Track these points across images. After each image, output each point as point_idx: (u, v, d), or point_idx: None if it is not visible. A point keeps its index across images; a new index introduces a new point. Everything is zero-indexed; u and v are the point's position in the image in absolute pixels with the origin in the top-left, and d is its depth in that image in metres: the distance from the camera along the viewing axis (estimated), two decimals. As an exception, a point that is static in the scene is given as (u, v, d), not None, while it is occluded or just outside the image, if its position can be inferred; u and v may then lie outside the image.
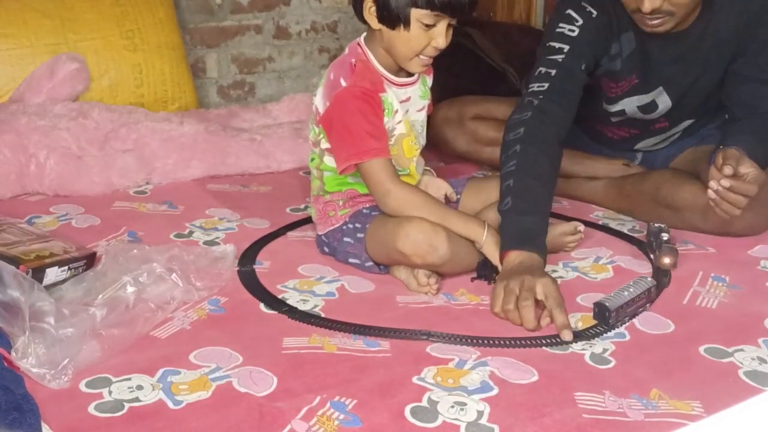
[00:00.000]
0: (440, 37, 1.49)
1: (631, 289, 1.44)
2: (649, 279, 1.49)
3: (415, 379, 1.21)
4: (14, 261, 1.34)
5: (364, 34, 1.59)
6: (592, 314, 1.42)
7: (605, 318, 1.39)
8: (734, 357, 1.30)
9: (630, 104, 1.87)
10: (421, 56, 1.52)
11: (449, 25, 1.50)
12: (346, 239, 1.60)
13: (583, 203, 2.02)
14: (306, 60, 2.99)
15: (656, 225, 1.68)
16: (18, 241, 1.48)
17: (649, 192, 1.87)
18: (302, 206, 1.94)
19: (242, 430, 1.09)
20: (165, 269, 1.42)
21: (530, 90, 1.74)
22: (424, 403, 1.16)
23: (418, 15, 1.47)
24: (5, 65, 2.29)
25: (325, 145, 1.59)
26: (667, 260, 1.55)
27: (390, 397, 1.17)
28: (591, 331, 1.37)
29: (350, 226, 1.60)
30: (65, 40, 2.35)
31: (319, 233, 1.67)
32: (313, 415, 1.12)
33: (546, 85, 1.72)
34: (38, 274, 1.36)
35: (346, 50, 1.60)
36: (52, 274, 1.40)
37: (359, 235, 1.58)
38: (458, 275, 1.57)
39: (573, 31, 1.75)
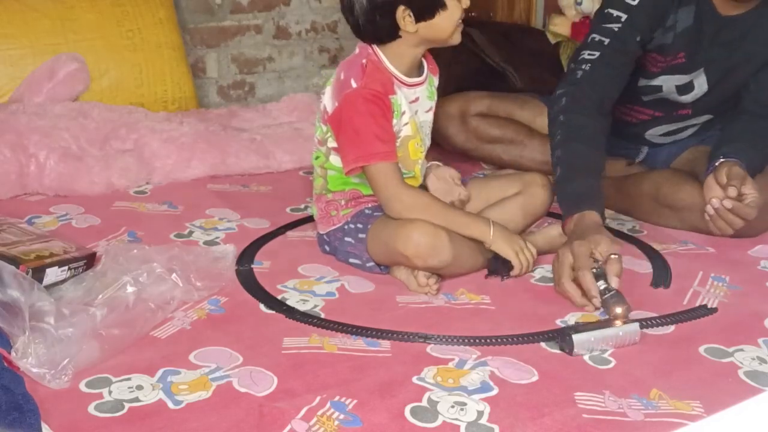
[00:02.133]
0: (463, 0, 1.53)
1: (616, 333, 1.32)
2: (637, 329, 1.34)
3: (415, 379, 1.21)
4: (14, 261, 1.33)
5: None
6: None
7: (568, 343, 1.30)
8: (734, 357, 1.30)
9: (669, 82, 1.83)
10: (459, 24, 1.55)
11: None
12: (347, 239, 1.60)
13: (583, 203, 2.02)
14: (306, 60, 2.99)
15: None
16: (18, 241, 1.48)
17: (649, 192, 1.87)
18: (302, 206, 1.94)
19: (242, 430, 1.09)
20: (165, 269, 1.42)
21: (580, 57, 1.74)
22: (424, 403, 1.16)
23: None
24: (5, 65, 2.30)
25: (331, 144, 1.59)
26: (619, 310, 1.38)
27: (390, 397, 1.17)
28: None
29: (352, 226, 1.60)
30: (65, 40, 2.35)
31: (321, 232, 1.67)
32: (313, 415, 1.12)
33: (596, 53, 1.71)
34: (38, 274, 1.36)
35: (357, 50, 1.59)
36: (52, 274, 1.40)
37: (361, 235, 1.58)
38: (460, 276, 1.57)
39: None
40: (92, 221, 1.83)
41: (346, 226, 1.61)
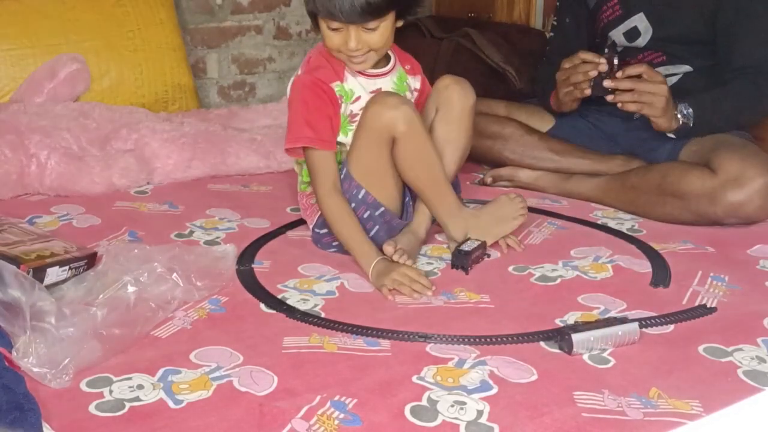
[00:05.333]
0: (350, 41, 1.53)
1: (615, 332, 1.32)
2: (636, 329, 1.34)
3: (414, 379, 1.22)
4: (15, 261, 1.34)
5: None
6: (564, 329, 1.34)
7: (567, 342, 1.30)
8: (733, 356, 1.31)
9: (616, 33, 2.06)
10: (343, 54, 1.57)
11: (370, 28, 1.53)
12: None
13: (582, 202, 2.03)
14: (306, 60, 3.00)
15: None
16: (19, 240, 1.48)
17: (654, 180, 1.89)
18: (302, 206, 1.95)
19: (243, 429, 1.10)
20: (166, 269, 1.42)
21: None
22: (424, 402, 1.16)
23: (321, 19, 1.54)
24: (6, 65, 2.30)
25: None
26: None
27: (390, 397, 1.17)
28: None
29: None
30: (66, 40, 2.36)
31: (311, 226, 1.70)
32: (314, 414, 1.12)
33: (548, 47, 2.26)
34: (39, 273, 1.36)
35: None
36: (53, 274, 1.41)
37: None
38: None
39: None
40: (93, 221, 1.83)
41: None
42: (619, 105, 1.89)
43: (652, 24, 2.00)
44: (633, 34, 2.03)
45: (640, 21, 2.01)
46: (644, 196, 1.91)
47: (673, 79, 2.02)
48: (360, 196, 1.61)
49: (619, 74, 1.86)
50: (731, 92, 1.92)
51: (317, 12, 1.53)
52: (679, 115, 1.89)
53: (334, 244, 1.67)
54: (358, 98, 1.62)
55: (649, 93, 1.84)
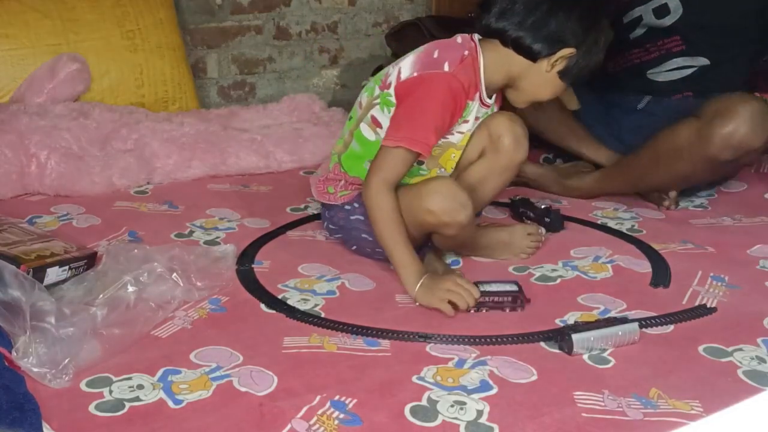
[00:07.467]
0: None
1: (615, 332, 1.33)
2: (636, 329, 1.34)
3: (414, 379, 1.22)
4: (15, 260, 1.34)
5: (478, 36, 1.54)
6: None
7: (567, 342, 1.31)
8: (733, 356, 1.31)
9: (645, 9, 2.02)
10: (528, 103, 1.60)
11: None
12: (353, 217, 1.60)
13: (582, 202, 2.02)
14: (306, 60, 3.00)
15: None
16: (19, 240, 1.48)
17: (648, 151, 1.91)
18: (302, 206, 1.95)
19: (242, 429, 1.10)
20: (166, 269, 1.42)
21: None
22: (424, 402, 1.16)
23: (570, 78, 1.54)
24: (6, 65, 2.30)
25: (375, 112, 1.54)
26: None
27: (390, 397, 1.17)
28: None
29: (356, 205, 1.59)
30: (66, 40, 2.36)
31: (319, 201, 1.68)
32: (313, 414, 1.12)
33: None
34: (39, 273, 1.36)
35: (458, 38, 1.53)
36: (53, 274, 1.41)
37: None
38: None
39: None
40: (93, 221, 1.83)
41: (348, 206, 1.61)
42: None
43: (683, 3, 1.98)
44: (662, 11, 2.00)
45: None
46: (640, 169, 1.94)
47: (688, 71, 2.01)
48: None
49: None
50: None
51: (594, 69, 1.54)
52: None
53: (335, 237, 1.67)
54: (466, 121, 1.55)
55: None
